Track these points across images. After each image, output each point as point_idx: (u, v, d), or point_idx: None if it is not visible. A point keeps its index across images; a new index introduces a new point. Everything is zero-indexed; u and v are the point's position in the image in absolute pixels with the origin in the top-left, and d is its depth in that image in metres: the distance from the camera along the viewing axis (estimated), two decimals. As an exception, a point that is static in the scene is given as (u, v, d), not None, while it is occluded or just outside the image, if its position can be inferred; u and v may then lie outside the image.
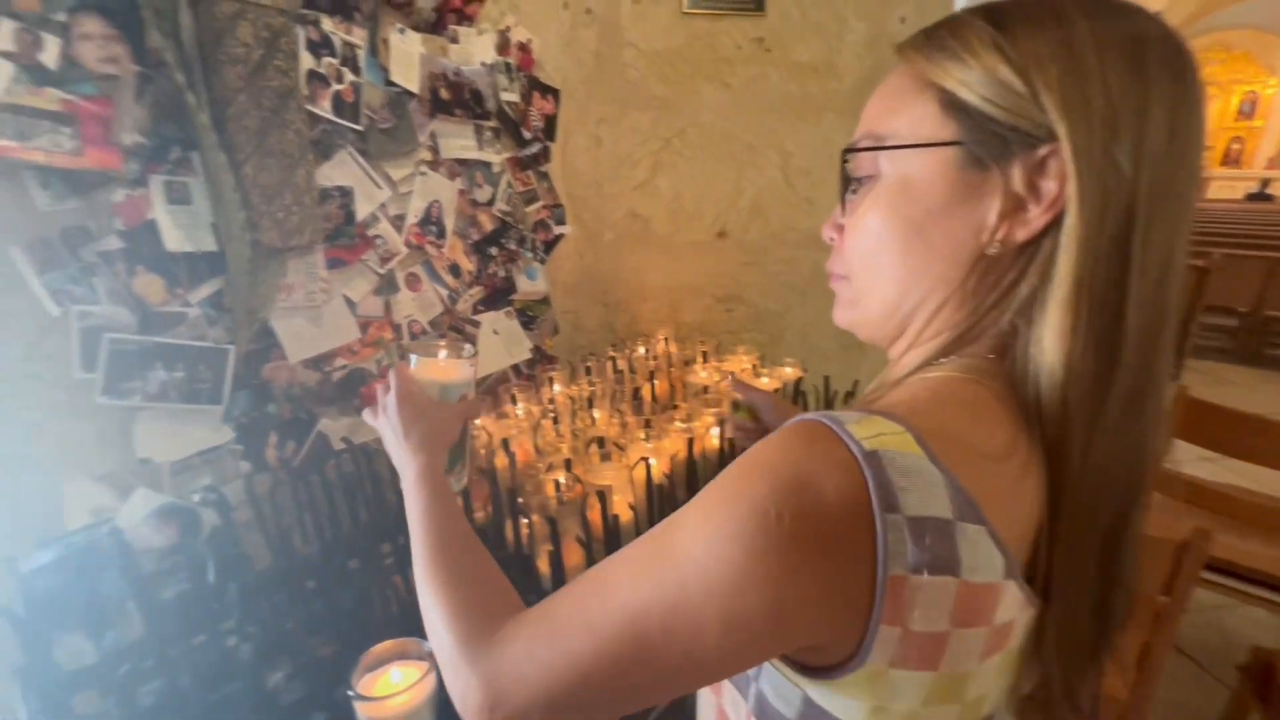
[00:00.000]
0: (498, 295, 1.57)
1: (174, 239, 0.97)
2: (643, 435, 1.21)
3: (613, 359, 1.62)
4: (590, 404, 1.36)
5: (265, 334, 1.13)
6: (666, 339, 1.79)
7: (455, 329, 1.48)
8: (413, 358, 0.74)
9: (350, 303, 1.25)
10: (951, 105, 0.42)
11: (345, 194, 1.18)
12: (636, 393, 1.45)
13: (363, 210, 1.22)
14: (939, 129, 0.42)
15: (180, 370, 1.02)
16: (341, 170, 1.18)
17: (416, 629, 0.56)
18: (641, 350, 1.73)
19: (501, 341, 1.57)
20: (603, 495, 0.98)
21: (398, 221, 1.30)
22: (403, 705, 0.66)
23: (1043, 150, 0.39)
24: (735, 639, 0.36)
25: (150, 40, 0.90)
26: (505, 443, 1.17)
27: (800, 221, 1.89)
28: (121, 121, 0.90)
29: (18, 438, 0.92)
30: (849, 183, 0.47)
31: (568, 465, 1.09)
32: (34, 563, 0.80)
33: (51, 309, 0.92)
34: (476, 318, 1.52)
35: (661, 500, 1.06)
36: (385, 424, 0.67)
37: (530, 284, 1.61)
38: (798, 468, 0.35)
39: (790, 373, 1.55)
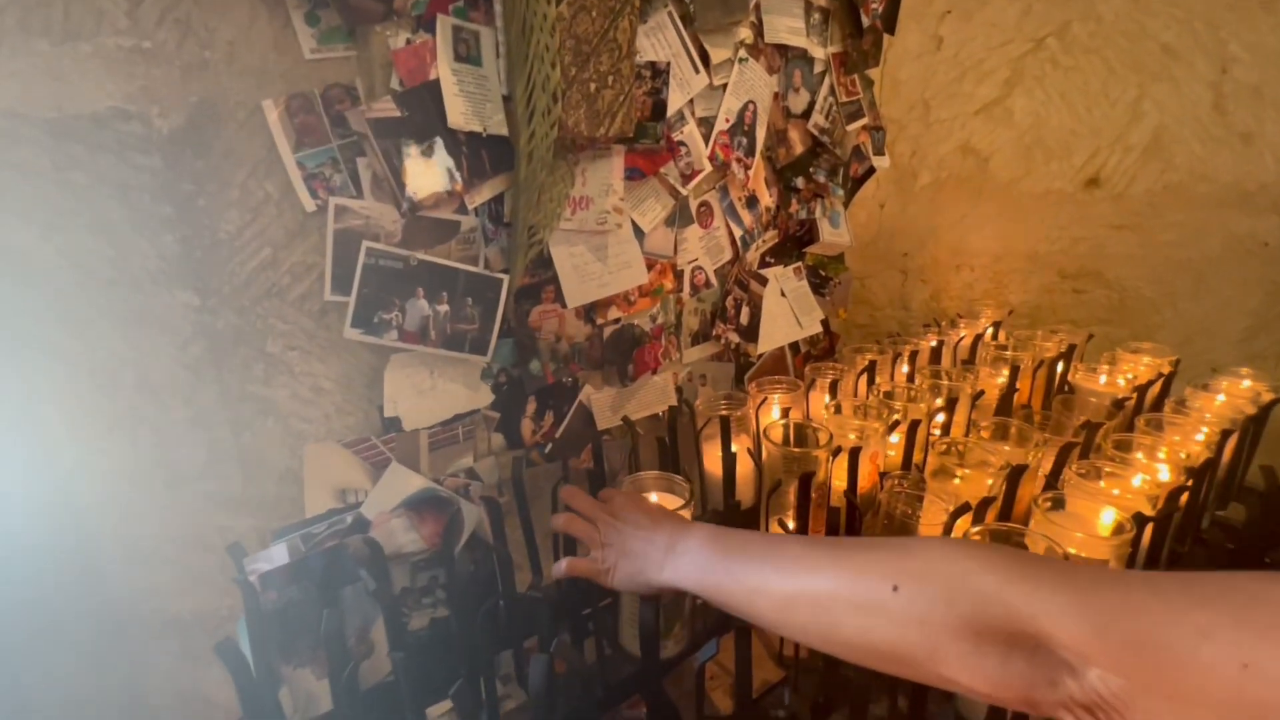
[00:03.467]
0: (789, 244, 1.18)
1: (457, 111, 0.68)
2: (1079, 471, 0.74)
3: (939, 342, 1.17)
4: (949, 410, 0.92)
5: (541, 265, 0.82)
6: (998, 325, 1.29)
7: (740, 284, 1.10)
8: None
9: (639, 232, 0.91)
10: None
11: (658, 74, 0.83)
12: (1005, 400, 0.99)
13: (674, 102, 0.86)
14: None
15: (444, 302, 0.73)
16: (658, 39, 0.83)
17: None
18: (964, 334, 1.25)
19: (788, 307, 1.18)
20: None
21: (705, 126, 0.94)
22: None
23: None
24: None
25: None
26: (855, 455, 0.77)
27: (1222, 167, 1.28)
28: (415, -81, 0.61)
29: (256, 375, 0.69)
30: None
31: (975, 510, 0.67)
32: (265, 564, 0.54)
33: (305, 200, 0.66)
34: (763, 272, 1.14)
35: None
36: (623, 533, 0.54)
37: (833, 232, 1.19)
38: None
39: (1247, 388, 0.99)
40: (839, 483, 0.79)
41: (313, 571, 0.55)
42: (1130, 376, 1.04)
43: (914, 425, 0.85)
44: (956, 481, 0.75)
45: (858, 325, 1.43)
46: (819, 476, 0.76)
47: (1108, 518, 0.69)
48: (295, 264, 0.68)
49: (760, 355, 1.16)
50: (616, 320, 0.94)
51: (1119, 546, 0.60)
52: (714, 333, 1.07)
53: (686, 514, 0.63)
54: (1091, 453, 0.82)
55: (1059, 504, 0.67)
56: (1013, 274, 1.39)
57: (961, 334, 1.26)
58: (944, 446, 0.79)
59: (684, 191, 0.92)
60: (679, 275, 1.01)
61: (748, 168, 1.01)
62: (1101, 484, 0.72)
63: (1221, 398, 0.95)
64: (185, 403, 0.68)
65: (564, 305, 0.85)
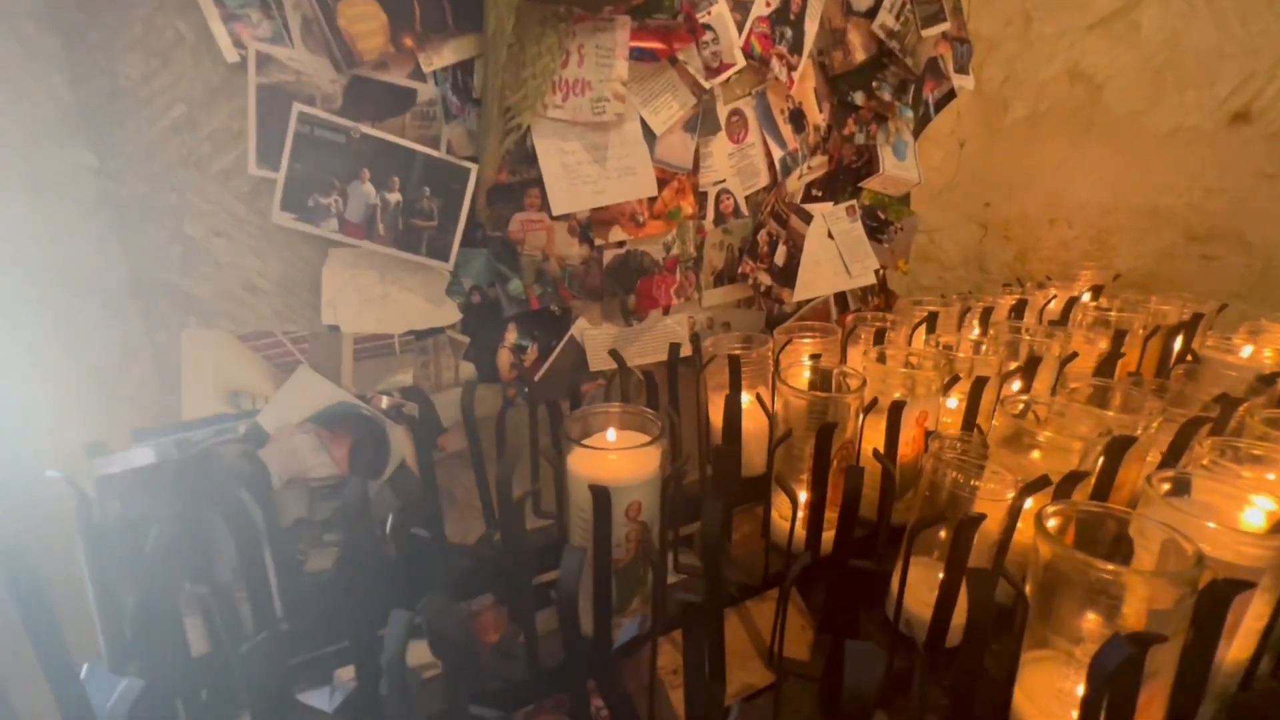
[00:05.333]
0: (842, 176, 0.99)
1: (410, -59, 0.55)
2: (1215, 454, 0.54)
3: (1020, 301, 0.96)
4: (1028, 371, 0.72)
5: (523, 161, 0.69)
6: (1098, 290, 1.06)
7: (778, 218, 0.93)
8: None
9: (649, 133, 0.76)
10: None
11: (677, -73, 0.67)
12: (1105, 366, 0.78)
13: (697, -33, 0.70)
14: None
15: (396, 190, 0.61)
16: (679, -120, 0.67)
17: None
18: (1055, 295, 1.03)
19: (836, 251, 0.99)
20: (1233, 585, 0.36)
21: (739, 11, 0.77)
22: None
23: None
24: None
25: None
26: (897, 410, 0.59)
27: None
28: None
29: (172, 261, 0.59)
30: None
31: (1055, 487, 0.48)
32: (116, 464, 0.43)
33: (226, 47, 0.55)
34: (806, 206, 0.96)
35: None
36: None
37: (897, 165, 1.00)
38: None
39: None
40: (873, 446, 0.62)
41: (173, 481, 0.44)
42: (1281, 349, 0.80)
43: (979, 382, 0.66)
44: (1035, 455, 0.57)
45: (921, 286, 1.22)
46: (845, 432, 0.59)
47: (1253, 516, 0.49)
48: (217, 129, 0.58)
49: (798, 305, 0.99)
50: (621, 244, 0.80)
51: (1277, 552, 0.41)
52: (741, 270, 0.91)
53: (655, 451, 0.48)
54: (1227, 433, 0.62)
55: (1183, 487, 0.48)
56: (1123, 232, 1.15)
57: (1052, 294, 1.04)
58: (1019, 406, 0.60)
59: (708, 86, 0.76)
60: (701, 198, 0.85)
61: (792, 68, 0.83)
62: (1245, 473, 0.52)
63: None
64: (95, 287, 0.59)
65: (551, 214, 0.72)
